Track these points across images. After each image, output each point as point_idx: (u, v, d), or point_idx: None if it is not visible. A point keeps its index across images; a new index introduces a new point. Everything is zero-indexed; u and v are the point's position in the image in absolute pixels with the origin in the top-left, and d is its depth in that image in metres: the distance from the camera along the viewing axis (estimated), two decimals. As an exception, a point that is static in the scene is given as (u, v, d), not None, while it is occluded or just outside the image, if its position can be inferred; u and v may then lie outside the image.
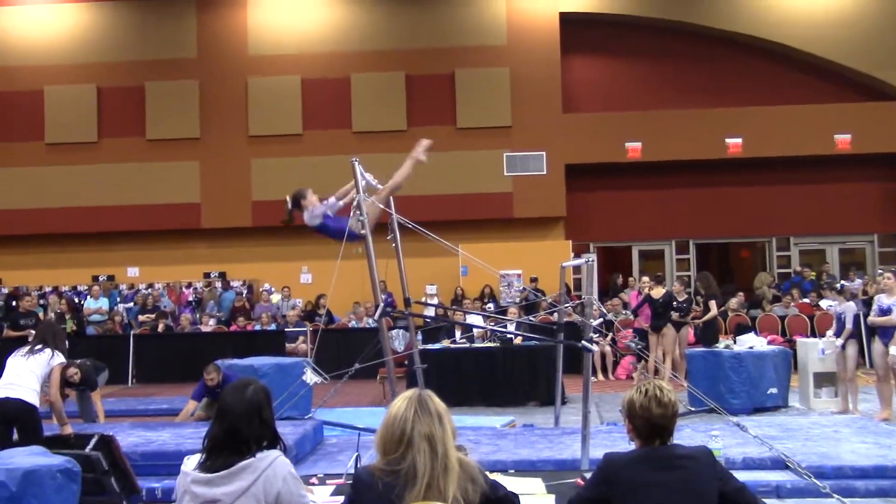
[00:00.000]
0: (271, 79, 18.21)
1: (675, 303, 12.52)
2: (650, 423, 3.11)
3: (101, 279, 18.15)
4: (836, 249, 18.73)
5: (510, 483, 3.41)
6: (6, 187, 18.23)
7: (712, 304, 12.32)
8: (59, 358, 7.03)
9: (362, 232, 7.61)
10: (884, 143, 17.52)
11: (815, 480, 6.32)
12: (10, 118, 18.46)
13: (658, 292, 12.61)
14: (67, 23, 18.62)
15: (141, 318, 16.76)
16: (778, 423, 8.72)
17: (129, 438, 7.49)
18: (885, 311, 9.49)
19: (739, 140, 17.71)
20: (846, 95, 18.09)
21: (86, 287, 17.80)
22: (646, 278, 13.83)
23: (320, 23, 18.41)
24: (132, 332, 16.06)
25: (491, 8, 18.21)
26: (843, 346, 10.10)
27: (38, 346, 6.95)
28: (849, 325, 10.08)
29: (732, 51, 18.31)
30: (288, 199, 7.83)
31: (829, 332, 10.74)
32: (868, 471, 6.58)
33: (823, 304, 14.71)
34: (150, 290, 17.87)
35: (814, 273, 17.67)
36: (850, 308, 10.18)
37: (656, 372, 12.27)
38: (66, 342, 7.83)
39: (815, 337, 12.64)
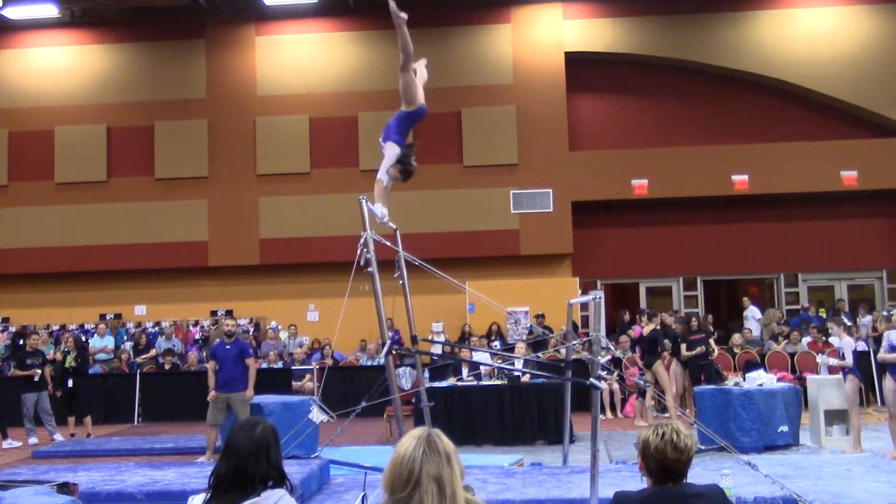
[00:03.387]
0: (279, 118, 18.35)
1: (689, 338, 12.44)
2: (663, 465, 3.05)
3: (108, 317, 18.17)
4: (844, 285, 18.64)
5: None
6: (16, 226, 18.34)
7: (712, 342, 12.32)
8: None
9: (369, 270, 7.55)
10: (890, 180, 17.50)
11: (828, 520, 6.24)
12: (21, 158, 18.63)
13: (647, 329, 12.45)
14: (78, 64, 18.86)
15: (139, 359, 16.70)
16: (789, 462, 8.63)
17: (135, 478, 7.45)
18: (895, 348, 9.42)
19: (746, 177, 17.73)
20: (852, 132, 18.13)
21: (93, 325, 17.82)
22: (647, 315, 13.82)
23: (328, 63, 18.58)
24: (138, 371, 16.02)
25: (497, 48, 18.37)
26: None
27: None
28: (847, 359, 10.10)
29: (738, 88, 18.40)
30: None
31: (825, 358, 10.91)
32: (882, 510, 6.50)
33: (833, 341, 14.63)
34: (139, 328, 17.93)
35: (823, 310, 17.57)
36: (847, 343, 10.16)
37: (664, 409, 12.20)
38: None
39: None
